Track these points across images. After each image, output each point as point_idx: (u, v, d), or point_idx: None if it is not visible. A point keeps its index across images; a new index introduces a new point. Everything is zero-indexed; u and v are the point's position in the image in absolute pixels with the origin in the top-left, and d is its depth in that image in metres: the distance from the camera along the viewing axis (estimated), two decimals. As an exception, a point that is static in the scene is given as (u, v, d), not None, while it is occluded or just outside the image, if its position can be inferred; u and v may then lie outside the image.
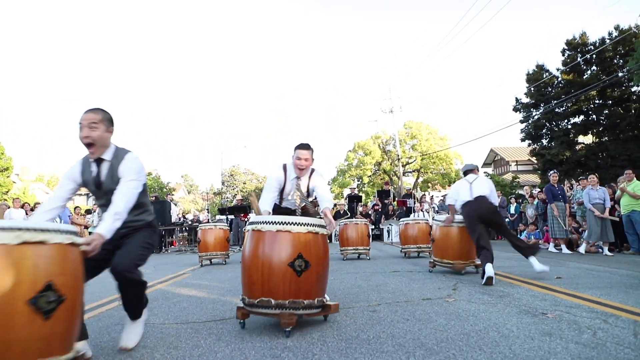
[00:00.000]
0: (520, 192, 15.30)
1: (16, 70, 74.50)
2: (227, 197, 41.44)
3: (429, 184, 40.21)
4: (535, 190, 14.01)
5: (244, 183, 46.80)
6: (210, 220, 16.90)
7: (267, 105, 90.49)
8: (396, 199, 19.61)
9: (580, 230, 9.98)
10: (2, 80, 67.91)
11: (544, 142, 23.66)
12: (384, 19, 75.74)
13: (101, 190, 2.73)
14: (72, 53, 78.00)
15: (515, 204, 14.33)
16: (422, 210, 14.53)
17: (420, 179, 40.34)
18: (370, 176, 40.14)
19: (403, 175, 35.89)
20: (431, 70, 75.75)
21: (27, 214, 11.43)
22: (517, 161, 36.41)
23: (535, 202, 12.37)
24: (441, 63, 73.44)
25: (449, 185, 38.40)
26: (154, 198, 15.97)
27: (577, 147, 22.49)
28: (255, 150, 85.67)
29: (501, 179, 26.94)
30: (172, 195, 36.07)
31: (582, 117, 22.60)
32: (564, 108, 22.20)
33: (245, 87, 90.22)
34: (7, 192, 23.67)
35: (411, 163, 39.35)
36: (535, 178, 29.16)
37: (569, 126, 22.87)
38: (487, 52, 76.64)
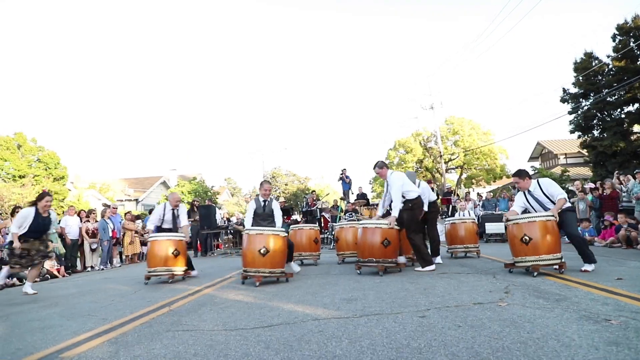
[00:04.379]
0: (571, 187, 14.56)
1: (67, 81, 78.32)
2: (269, 199, 41.85)
3: (473, 180, 39.20)
4: (588, 185, 13.33)
5: (286, 184, 47.20)
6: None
7: (308, 107, 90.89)
8: (439, 197, 19.19)
9: (639, 226, 9.41)
10: (53, 92, 71.56)
11: (595, 133, 22.53)
12: (422, 14, 74.45)
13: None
14: (119, 62, 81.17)
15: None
16: (467, 209, 14.09)
17: (464, 175, 39.40)
18: (412, 174, 39.52)
19: (446, 172, 35.13)
20: (472, 63, 73.84)
21: (81, 220, 11.94)
22: (566, 154, 34.83)
23: (589, 197, 11.80)
24: (483, 55, 71.44)
25: (494, 181, 37.32)
26: (197, 203, 16.28)
27: (632, 138, 21.28)
28: (296, 151, 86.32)
29: (549, 173, 25.80)
30: (217, 197, 36.86)
31: (637, 105, 21.37)
32: (616, 97, 21.06)
33: (286, 88, 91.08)
34: (63, 199, 24.88)
35: (454, 159, 38.50)
36: (586, 171, 27.79)
37: (623, 115, 21.67)
38: (531, 42, 73.86)
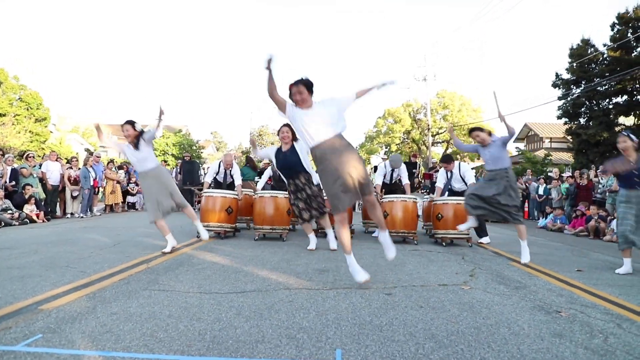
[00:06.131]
0: (550, 174, 14.90)
1: (54, 22, 75.38)
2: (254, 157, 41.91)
3: (458, 156, 39.60)
4: (566, 173, 13.66)
5: (272, 143, 47.06)
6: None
7: (299, 67, 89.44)
8: (422, 172, 19.39)
9: (608, 219, 9.76)
10: (40, 31, 68.91)
11: (582, 121, 22.83)
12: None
13: None
14: (109, 8, 78.12)
15: (544, 185, 14.00)
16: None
17: (449, 150, 39.73)
18: (398, 144, 39.81)
19: (432, 145, 35.40)
20: (469, 39, 72.98)
21: (62, 166, 11.87)
22: (551, 138, 35.28)
23: (561, 185, 12.13)
24: (480, 31, 70.54)
25: (479, 159, 37.75)
26: (187, 158, 16.13)
27: (616, 129, 21.62)
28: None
29: (533, 156, 26.20)
30: (202, 151, 36.62)
31: (625, 97, 21.60)
32: (606, 87, 21.23)
33: (276, 47, 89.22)
34: (45, 141, 24.49)
35: (441, 133, 38.76)
36: (568, 157, 28.31)
37: (610, 106, 21.92)
38: (530, 22, 73.09)
